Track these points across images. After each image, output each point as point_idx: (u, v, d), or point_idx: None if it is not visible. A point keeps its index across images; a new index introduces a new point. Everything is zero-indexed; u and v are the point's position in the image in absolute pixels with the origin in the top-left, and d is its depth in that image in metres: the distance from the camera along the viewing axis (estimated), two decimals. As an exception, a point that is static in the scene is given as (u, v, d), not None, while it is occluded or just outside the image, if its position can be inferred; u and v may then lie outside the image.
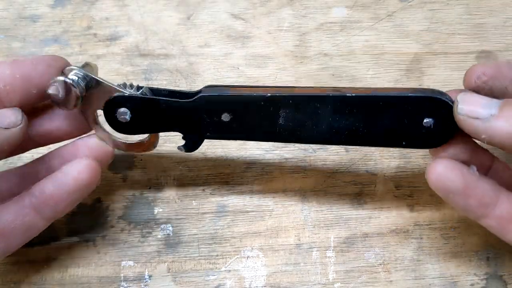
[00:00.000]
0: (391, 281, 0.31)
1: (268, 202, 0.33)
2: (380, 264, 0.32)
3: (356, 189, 0.33)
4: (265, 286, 0.31)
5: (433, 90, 0.25)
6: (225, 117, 0.26)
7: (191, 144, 0.28)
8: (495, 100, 0.23)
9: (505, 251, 0.32)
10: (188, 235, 0.32)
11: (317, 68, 0.35)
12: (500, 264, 0.32)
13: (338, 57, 0.36)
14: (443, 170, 0.24)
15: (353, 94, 0.25)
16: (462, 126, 0.24)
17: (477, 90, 0.24)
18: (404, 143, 0.26)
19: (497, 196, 0.24)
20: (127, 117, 0.27)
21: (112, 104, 0.27)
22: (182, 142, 0.28)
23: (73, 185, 0.26)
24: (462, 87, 0.26)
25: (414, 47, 0.36)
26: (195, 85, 0.35)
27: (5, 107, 0.25)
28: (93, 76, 0.26)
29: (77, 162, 0.27)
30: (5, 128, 0.24)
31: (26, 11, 0.36)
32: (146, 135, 0.29)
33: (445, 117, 0.25)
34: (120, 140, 0.29)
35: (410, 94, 0.25)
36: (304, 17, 0.37)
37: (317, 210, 0.33)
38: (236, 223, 0.33)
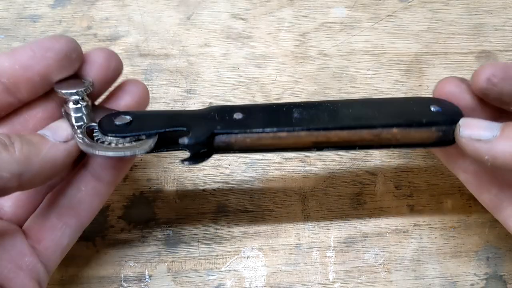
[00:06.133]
0: (391, 281, 0.31)
1: (268, 202, 0.33)
2: (380, 264, 0.32)
3: (356, 189, 0.33)
4: (265, 286, 0.31)
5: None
6: (237, 115, 0.25)
7: (197, 139, 0.24)
8: (496, 123, 0.23)
9: (505, 251, 0.32)
10: (188, 235, 0.32)
11: (317, 68, 0.35)
12: (500, 264, 0.32)
13: (338, 57, 0.36)
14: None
15: (365, 99, 0.26)
16: (465, 149, 0.24)
17: (486, 92, 0.24)
18: (424, 120, 0.25)
19: None
20: (128, 118, 0.25)
21: (112, 116, 0.25)
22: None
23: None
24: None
25: (414, 47, 0.36)
26: (195, 85, 0.35)
27: (18, 99, 0.25)
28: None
29: None
30: (64, 142, 0.24)
31: (26, 11, 0.36)
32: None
33: (445, 106, 0.25)
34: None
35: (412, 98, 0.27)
36: (304, 17, 0.37)
37: (317, 210, 0.33)
38: (236, 223, 0.33)
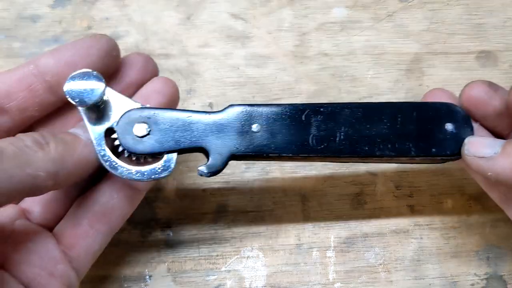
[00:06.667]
0: (391, 281, 0.31)
1: (268, 202, 0.33)
2: (380, 264, 0.32)
3: (356, 189, 0.33)
4: (265, 286, 0.31)
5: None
6: (255, 127, 0.25)
7: (215, 163, 0.25)
8: (499, 140, 0.24)
9: (505, 251, 0.32)
10: (188, 235, 0.32)
11: (317, 68, 0.35)
12: (500, 264, 0.32)
13: (338, 57, 0.36)
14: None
15: (379, 102, 0.26)
16: (470, 165, 0.25)
17: None
18: (433, 150, 0.26)
19: None
20: (146, 131, 0.25)
21: (129, 118, 0.25)
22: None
23: None
24: (461, 87, 0.27)
25: (414, 47, 0.36)
26: (195, 85, 0.35)
27: (61, 98, 0.25)
28: (111, 88, 0.25)
29: None
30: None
31: (27, 11, 0.36)
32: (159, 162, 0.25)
33: (462, 122, 0.26)
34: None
35: (429, 102, 0.27)
36: (304, 17, 0.37)
37: (317, 210, 0.33)
38: (236, 223, 0.32)
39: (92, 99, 0.23)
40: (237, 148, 0.25)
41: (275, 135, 0.25)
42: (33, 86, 0.25)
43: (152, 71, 0.28)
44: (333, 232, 0.32)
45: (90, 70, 0.24)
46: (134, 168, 0.25)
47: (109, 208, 0.26)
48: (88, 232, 0.26)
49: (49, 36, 0.36)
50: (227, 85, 0.35)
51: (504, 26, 0.36)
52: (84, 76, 0.24)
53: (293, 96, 0.35)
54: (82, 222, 0.26)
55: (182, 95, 0.34)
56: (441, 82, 0.35)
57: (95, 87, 0.24)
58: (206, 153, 0.25)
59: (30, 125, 0.26)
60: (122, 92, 0.25)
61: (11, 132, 0.25)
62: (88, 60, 0.24)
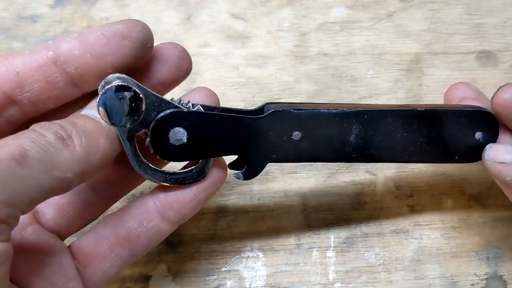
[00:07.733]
0: (391, 281, 0.31)
1: (268, 202, 0.33)
2: (380, 264, 0.32)
3: (356, 189, 0.33)
4: (265, 286, 0.31)
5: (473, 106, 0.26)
6: (296, 135, 0.24)
7: (252, 169, 0.25)
8: None
9: (505, 251, 0.32)
10: (188, 235, 0.32)
11: (317, 68, 0.35)
12: (500, 264, 0.32)
13: (338, 57, 0.36)
14: None
15: (422, 109, 0.26)
16: (490, 170, 0.25)
17: None
18: (456, 157, 0.26)
19: None
20: (184, 138, 0.23)
21: (165, 123, 0.22)
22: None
23: (197, 186, 0.24)
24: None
25: (414, 47, 0.36)
26: (195, 85, 0.35)
27: (82, 91, 0.22)
28: (142, 86, 0.22)
29: None
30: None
31: (26, 11, 0.36)
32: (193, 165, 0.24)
33: (491, 130, 0.26)
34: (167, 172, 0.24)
35: (466, 109, 0.26)
36: (304, 17, 0.37)
37: (317, 210, 0.33)
38: (236, 223, 0.32)
39: (129, 122, 0.22)
40: (275, 156, 0.25)
41: (315, 143, 0.25)
42: (52, 77, 0.21)
43: (186, 69, 0.24)
44: (333, 232, 0.32)
45: (126, 83, 0.21)
46: (167, 173, 0.24)
47: (134, 235, 0.24)
48: (107, 255, 0.24)
49: (49, 36, 0.36)
50: (227, 85, 0.35)
51: (504, 26, 0.36)
52: (121, 95, 0.21)
53: (293, 96, 0.35)
54: (103, 244, 0.24)
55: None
56: (441, 82, 0.35)
57: (136, 109, 0.21)
58: (242, 157, 0.25)
59: (39, 115, 0.23)
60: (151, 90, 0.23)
61: (19, 124, 0.22)
62: (120, 53, 0.21)
